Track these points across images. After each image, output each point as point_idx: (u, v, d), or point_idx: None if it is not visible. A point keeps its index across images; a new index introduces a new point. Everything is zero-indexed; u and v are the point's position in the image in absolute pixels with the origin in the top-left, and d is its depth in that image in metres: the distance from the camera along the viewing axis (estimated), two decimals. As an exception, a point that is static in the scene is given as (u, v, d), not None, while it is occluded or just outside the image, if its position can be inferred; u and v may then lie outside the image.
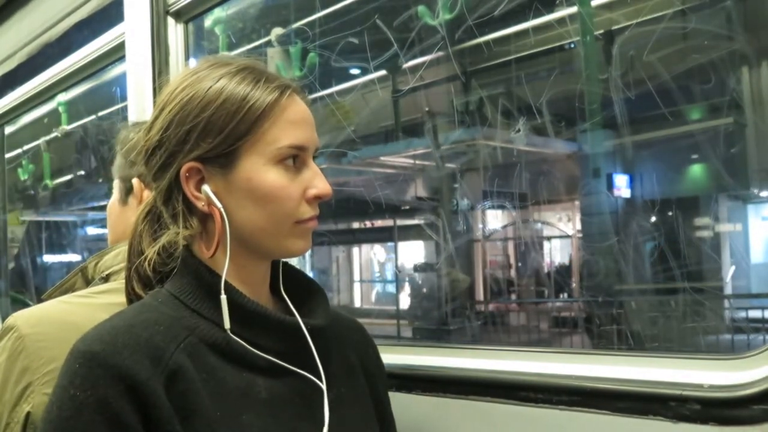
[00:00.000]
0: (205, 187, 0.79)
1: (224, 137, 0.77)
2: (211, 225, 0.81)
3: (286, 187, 0.78)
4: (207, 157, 0.78)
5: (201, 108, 0.77)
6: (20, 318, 0.99)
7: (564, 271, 10.96)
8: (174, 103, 0.79)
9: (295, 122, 0.80)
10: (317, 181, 0.81)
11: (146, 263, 0.82)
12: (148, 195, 1.11)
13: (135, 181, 1.15)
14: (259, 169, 0.78)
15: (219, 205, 0.78)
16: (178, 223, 0.81)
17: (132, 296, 0.85)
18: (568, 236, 11.02)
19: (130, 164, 1.16)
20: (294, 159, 0.79)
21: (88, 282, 1.13)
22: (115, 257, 1.12)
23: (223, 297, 0.77)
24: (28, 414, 0.94)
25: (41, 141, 3.74)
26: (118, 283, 1.06)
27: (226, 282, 0.78)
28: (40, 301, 1.11)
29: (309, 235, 0.83)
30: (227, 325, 0.77)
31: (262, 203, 0.78)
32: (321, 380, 0.81)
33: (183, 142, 0.78)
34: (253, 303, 0.79)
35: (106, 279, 1.11)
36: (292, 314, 0.83)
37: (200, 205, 0.80)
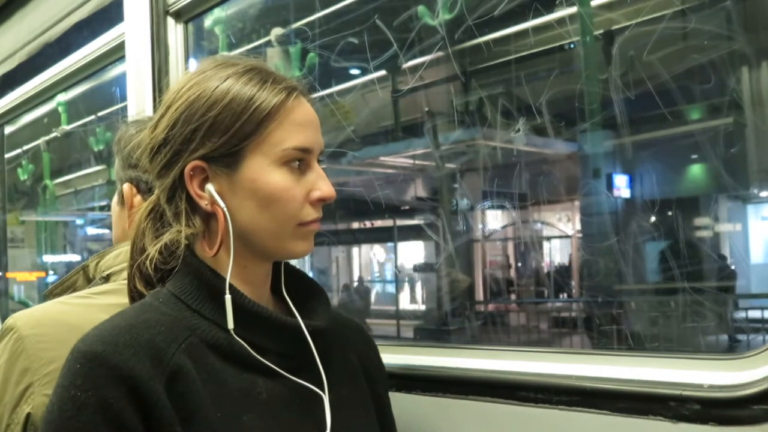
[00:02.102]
0: (209, 186, 0.79)
1: (230, 137, 0.77)
2: (214, 224, 0.81)
3: (290, 188, 0.79)
4: (212, 156, 0.78)
5: (207, 107, 0.77)
6: (20, 319, 0.99)
7: (564, 271, 10.95)
8: (180, 101, 0.79)
9: (301, 124, 0.80)
10: (321, 184, 0.81)
11: (148, 261, 0.82)
12: (139, 201, 1.10)
13: (126, 186, 1.15)
14: (264, 170, 0.78)
15: (222, 204, 0.78)
16: (181, 222, 0.81)
17: (134, 294, 0.85)
18: (567, 236, 11.01)
19: (126, 166, 1.15)
20: (299, 161, 0.79)
21: (89, 280, 1.14)
22: (116, 257, 1.12)
23: (228, 297, 0.77)
24: (29, 415, 0.94)
25: (41, 141, 3.74)
26: (118, 283, 1.06)
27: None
28: (41, 298, 1.11)
29: (311, 237, 0.83)
30: (231, 325, 0.77)
31: (266, 204, 0.78)
32: (322, 382, 0.81)
33: (188, 140, 0.78)
34: (254, 304, 0.79)
35: (106, 279, 1.11)
36: (293, 315, 0.83)
37: (203, 204, 0.80)
